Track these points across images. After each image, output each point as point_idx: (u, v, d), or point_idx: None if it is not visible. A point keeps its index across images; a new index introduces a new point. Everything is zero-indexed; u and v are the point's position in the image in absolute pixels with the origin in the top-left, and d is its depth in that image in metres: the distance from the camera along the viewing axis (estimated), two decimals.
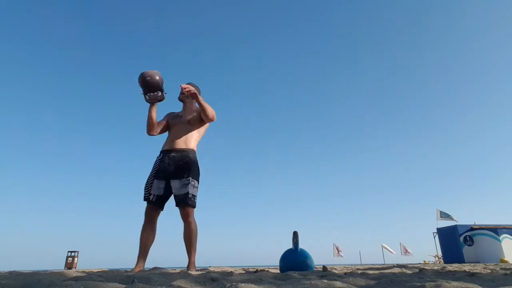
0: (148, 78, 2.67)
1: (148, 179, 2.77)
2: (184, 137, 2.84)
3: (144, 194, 2.72)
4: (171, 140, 2.85)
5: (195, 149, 2.87)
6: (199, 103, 2.73)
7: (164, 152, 2.82)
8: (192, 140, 2.86)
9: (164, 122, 2.96)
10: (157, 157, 2.85)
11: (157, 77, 2.69)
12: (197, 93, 2.74)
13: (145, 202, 2.71)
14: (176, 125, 2.92)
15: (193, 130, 2.89)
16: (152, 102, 2.77)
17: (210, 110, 2.78)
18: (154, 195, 2.68)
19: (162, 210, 2.76)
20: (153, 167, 2.81)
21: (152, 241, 2.68)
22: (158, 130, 2.89)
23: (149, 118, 2.80)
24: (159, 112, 2.89)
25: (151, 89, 2.71)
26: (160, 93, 2.75)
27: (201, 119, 2.89)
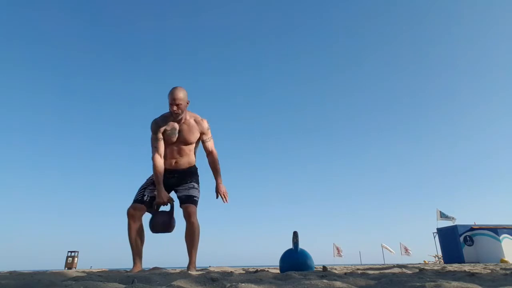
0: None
1: (145, 184, 2.74)
2: (187, 158, 2.76)
3: (136, 197, 2.67)
4: (174, 161, 2.72)
5: (195, 161, 2.87)
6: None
7: (167, 171, 2.70)
8: (193, 157, 2.84)
9: (162, 143, 2.69)
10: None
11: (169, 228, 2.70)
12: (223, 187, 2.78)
13: (130, 204, 2.64)
14: (175, 144, 2.69)
15: (194, 147, 2.82)
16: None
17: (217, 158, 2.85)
18: (148, 196, 2.66)
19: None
20: (151, 179, 2.75)
21: (143, 241, 2.65)
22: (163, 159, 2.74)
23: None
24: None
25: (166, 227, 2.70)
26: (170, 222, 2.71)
27: (200, 137, 2.82)
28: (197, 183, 2.79)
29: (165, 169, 2.70)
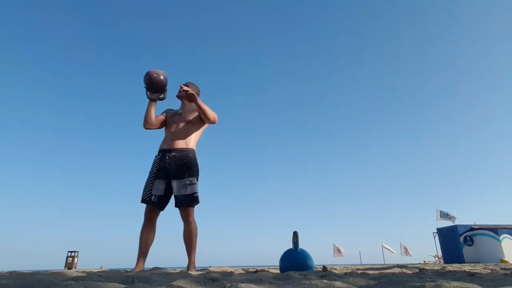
0: (155, 76, 2.73)
1: (148, 179, 2.76)
2: (184, 137, 2.82)
3: (143, 195, 2.70)
4: (170, 139, 2.82)
5: (194, 148, 2.87)
6: (198, 106, 2.73)
7: (164, 151, 2.79)
8: (192, 140, 2.85)
9: (162, 118, 2.93)
10: (156, 157, 2.82)
11: (162, 77, 2.76)
12: (196, 95, 2.70)
13: (144, 204, 2.70)
14: (175, 123, 2.88)
15: (193, 129, 2.88)
16: (153, 100, 2.83)
17: (211, 113, 2.79)
18: (155, 195, 2.68)
19: (162, 210, 2.75)
20: (153, 167, 2.79)
21: (152, 242, 2.68)
22: (155, 125, 2.88)
23: (147, 112, 2.82)
24: (158, 108, 2.93)
25: (154, 89, 2.79)
26: (162, 95, 2.84)
27: (201, 119, 2.87)
28: (195, 176, 2.73)
29: (164, 149, 2.81)
